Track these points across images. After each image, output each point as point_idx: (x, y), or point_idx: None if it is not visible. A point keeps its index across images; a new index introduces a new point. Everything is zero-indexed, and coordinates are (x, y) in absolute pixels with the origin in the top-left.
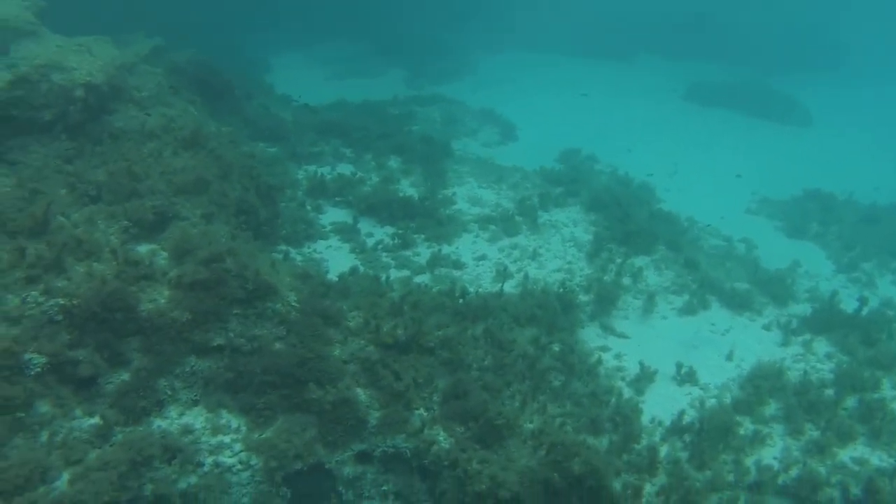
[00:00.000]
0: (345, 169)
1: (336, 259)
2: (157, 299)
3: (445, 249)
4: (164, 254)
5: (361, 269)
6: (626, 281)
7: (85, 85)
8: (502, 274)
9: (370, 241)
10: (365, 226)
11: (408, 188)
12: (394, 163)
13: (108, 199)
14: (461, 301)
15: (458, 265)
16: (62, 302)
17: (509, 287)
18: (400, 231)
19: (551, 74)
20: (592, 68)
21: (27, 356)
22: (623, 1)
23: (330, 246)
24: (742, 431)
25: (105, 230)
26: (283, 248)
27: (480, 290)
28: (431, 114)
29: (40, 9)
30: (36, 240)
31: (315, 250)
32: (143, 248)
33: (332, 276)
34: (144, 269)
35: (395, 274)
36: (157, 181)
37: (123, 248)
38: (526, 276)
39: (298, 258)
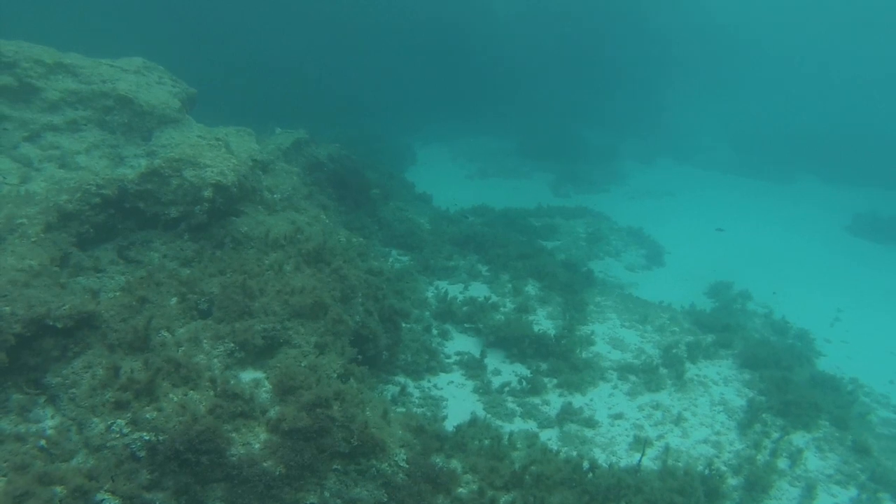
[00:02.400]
0: (479, 290)
1: (457, 399)
2: (251, 443)
3: (578, 401)
4: (268, 386)
5: (483, 415)
6: (783, 464)
7: (214, 185)
8: (642, 444)
9: (496, 381)
10: (492, 360)
11: (543, 320)
12: (531, 288)
13: (217, 316)
14: (590, 475)
15: (590, 423)
16: (147, 437)
17: (647, 458)
18: (530, 373)
19: (704, 194)
20: (748, 188)
21: (99, 496)
22: (784, 116)
23: (452, 382)
24: None
25: (209, 352)
26: (402, 379)
27: (614, 459)
28: (576, 228)
29: (190, 95)
30: (134, 357)
31: (435, 385)
32: (247, 377)
33: (450, 423)
34: (243, 404)
35: (519, 424)
36: (272, 300)
37: (224, 377)
38: (667, 449)
39: (416, 394)
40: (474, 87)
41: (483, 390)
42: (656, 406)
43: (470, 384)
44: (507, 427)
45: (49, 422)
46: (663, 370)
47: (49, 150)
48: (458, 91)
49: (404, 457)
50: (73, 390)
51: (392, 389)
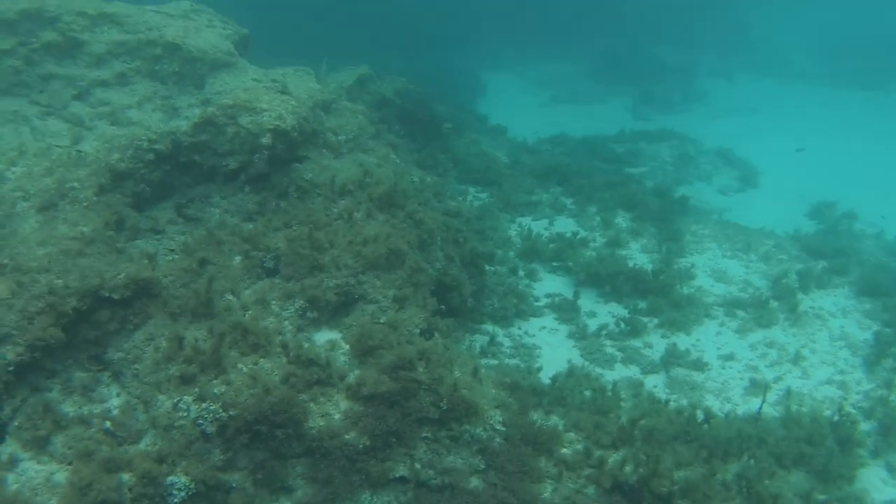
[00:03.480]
0: (565, 224)
1: (551, 346)
2: (330, 413)
3: (683, 341)
4: (345, 347)
5: (581, 363)
6: None
7: (273, 131)
8: (761, 388)
9: (592, 324)
10: (586, 301)
11: (638, 254)
12: (622, 220)
13: (285, 273)
14: (706, 427)
15: (699, 366)
16: (217, 413)
17: (767, 404)
18: (628, 313)
19: (793, 108)
20: (840, 100)
21: (170, 479)
22: (878, 15)
23: (544, 327)
24: None
25: (278, 313)
26: (490, 328)
27: (729, 406)
28: (661, 152)
29: (242, 37)
30: (198, 325)
31: (526, 332)
32: (321, 338)
33: (546, 374)
34: (319, 371)
35: (620, 371)
36: (343, 253)
37: (297, 341)
38: (788, 392)
39: (506, 344)
40: (540, 10)
41: (578, 335)
42: (770, 344)
43: (564, 328)
44: (608, 375)
45: (114, 401)
46: (774, 303)
47: (99, 106)
48: (524, 16)
49: (500, 418)
50: (137, 366)
51: (480, 340)
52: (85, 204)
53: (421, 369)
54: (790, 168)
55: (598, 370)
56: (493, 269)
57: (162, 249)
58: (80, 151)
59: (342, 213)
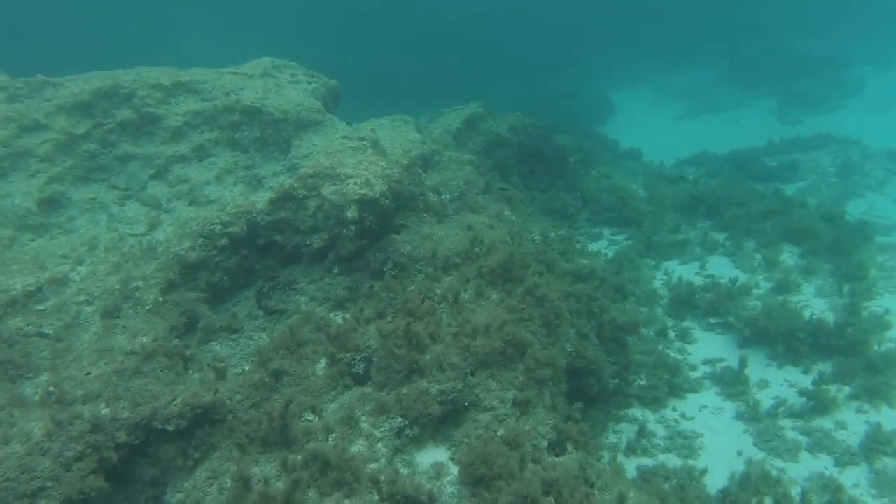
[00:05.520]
0: (720, 266)
1: (714, 432)
2: None
3: (888, 417)
4: (454, 473)
5: (755, 456)
6: None
7: (358, 201)
8: None
9: (765, 398)
10: (754, 366)
11: (813, 300)
12: (788, 257)
13: (378, 380)
14: None
15: None
16: None
17: None
18: (811, 382)
19: None
20: None
21: None
22: None
23: (705, 406)
24: None
25: (369, 434)
26: (638, 413)
27: None
28: (820, 161)
29: (331, 90)
30: (270, 456)
31: (683, 415)
32: (425, 460)
33: (711, 472)
34: None
35: (807, 463)
36: (448, 349)
37: (391, 470)
38: None
39: (659, 433)
40: (664, 16)
41: (749, 415)
42: None
43: (729, 407)
44: (793, 469)
45: None
46: None
47: (177, 185)
48: (647, 25)
49: None
50: None
51: (627, 430)
52: (149, 307)
53: None
54: None
55: (780, 463)
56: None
57: (236, 356)
58: (150, 240)
59: (446, 293)
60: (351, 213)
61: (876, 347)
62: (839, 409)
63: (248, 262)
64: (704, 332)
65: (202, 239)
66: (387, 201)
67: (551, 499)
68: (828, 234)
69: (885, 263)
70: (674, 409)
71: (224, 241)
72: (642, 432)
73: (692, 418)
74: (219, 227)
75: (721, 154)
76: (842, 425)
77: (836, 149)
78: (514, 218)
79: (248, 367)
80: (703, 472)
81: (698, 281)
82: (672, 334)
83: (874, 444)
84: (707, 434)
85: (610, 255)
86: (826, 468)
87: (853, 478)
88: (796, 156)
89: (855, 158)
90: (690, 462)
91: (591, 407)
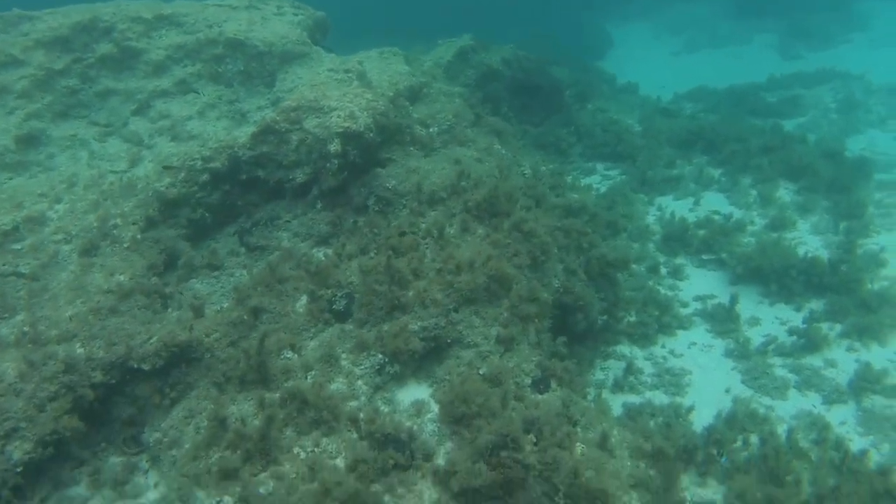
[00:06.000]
0: (714, 202)
1: (703, 369)
2: None
3: (877, 356)
4: (435, 410)
5: (742, 394)
6: None
7: (342, 134)
8: None
9: (755, 336)
10: (746, 303)
11: (809, 237)
12: (785, 193)
13: (359, 317)
14: None
15: None
16: None
17: None
18: (802, 320)
19: None
20: None
21: None
22: None
23: (694, 343)
24: None
25: (349, 371)
26: (626, 350)
27: None
28: (822, 97)
29: (318, 22)
30: (248, 394)
31: (672, 352)
32: (406, 397)
33: (699, 410)
34: (398, 452)
35: (796, 400)
36: (431, 284)
37: (370, 409)
38: None
39: (647, 370)
40: None
41: (738, 352)
42: None
43: (719, 344)
44: (781, 407)
45: (151, 494)
46: None
47: (159, 120)
48: None
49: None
50: (174, 451)
51: (614, 367)
52: (126, 245)
53: (529, 448)
54: None
55: (768, 401)
56: (627, 270)
57: (217, 294)
58: (130, 177)
59: (431, 228)
60: (334, 146)
61: (869, 286)
62: (829, 347)
63: (231, 198)
64: (696, 269)
65: (183, 174)
66: (371, 134)
67: (532, 437)
68: (826, 170)
69: (883, 200)
70: (663, 346)
71: (205, 176)
72: (630, 369)
73: (681, 355)
74: (199, 161)
75: (720, 89)
76: (831, 363)
77: (839, 84)
78: (503, 152)
79: (227, 305)
80: (690, 409)
81: (692, 217)
82: (664, 270)
83: (863, 383)
84: (695, 371)
85: (603, 189)
86: (814, 406)
87: (840, 416)
88: (797, 91)
89: (857, 94)
90: (678, 399)
91: (579, 344)
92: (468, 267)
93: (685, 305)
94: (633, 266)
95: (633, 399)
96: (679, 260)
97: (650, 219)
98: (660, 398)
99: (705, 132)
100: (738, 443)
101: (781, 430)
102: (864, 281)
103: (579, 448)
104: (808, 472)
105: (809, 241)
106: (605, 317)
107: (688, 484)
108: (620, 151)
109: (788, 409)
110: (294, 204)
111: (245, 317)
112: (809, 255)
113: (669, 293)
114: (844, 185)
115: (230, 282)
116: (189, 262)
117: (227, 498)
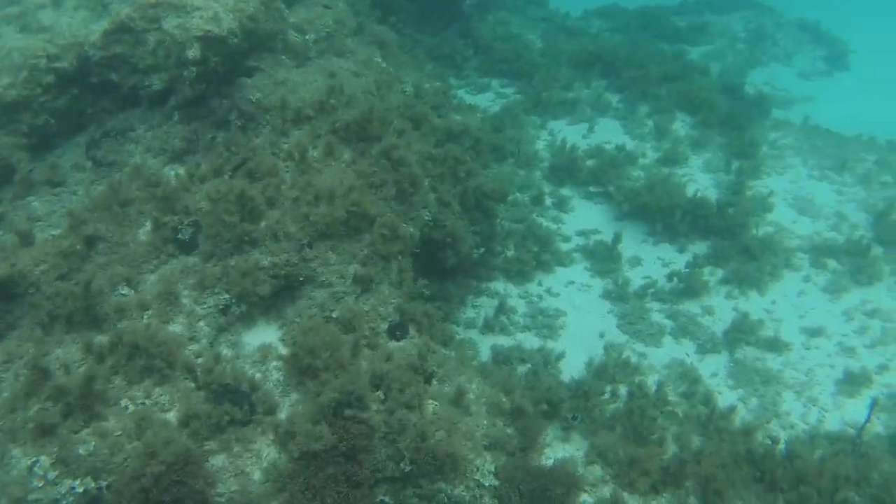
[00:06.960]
0: (609, 130)
1: (579, 311)
2: (247, 472)
3: (755, 305)
4: (281, 356)
5: (617, 339)
6: None
7: (202, 38)
8: (859, 383)
9: (635, 277)
10: (629, 242)
11: (700, 174)
12: (681, 126)
13: (205, 249)
14: (777, 460)
15: (775, 345)
16: (81, 487)
17: (866, 405)
18: (685, 263)
19: None
20: None
21: None
22: None
23: (572, 282)
24: None
25: (190, 311)
26: (500, 287)
27: (816, 413)
28: (732, 25)
29: None
30: (77, 338)
31: (549, 290)
32: (253, 340)
33: (570, 355)
34: (234, 406)
35: (670, 348)
36: (285, 216)
37: (210, 355)
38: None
39: (521, 309)
40: None
41: (617, 294)
42: (872, 312)
43: (598, 284)
44: (654, 354)
45: None
46: (877, 249)
47: (7, 6)
48: None
49: (492, 468)
50: None
51: (487, 305)
52: None
53: (375, 407)
54: (891, 45)
55: (641, 348)
56: (512, 198)
57: (56, 215)
58: None
59: (293, 150)
60: (192, 52)
61: (754, 231)
62: (709, 293)
63: (80, 103)
64: (583, 201)
65: (25, 73)
66: (236, 40)
67: (380, 394)
68: (724, 105)
69: (777, 141)
70: (539, 284)
71: (50, 77)
72: (502, 308)
73: (557, 294)
74: (44, 60)
75: (631, 8)
76: (709, 310)
77: (750, 14)
78: (384, 65)
79: (59, 232)
80: (561, 356)
81: (584, 144)
82: (548, 201)
83: (738, 333)
84: (571, 313)
85: (496, 108)
86: (687, 355)
87: (713, 366)
88: (708, 17)
89: (767, 26)
90: (549, 344)
91: (449, 280)
92: (328, 197)
93: (567, 240)
94: (517, 195)
95: (503, 341)
96: (565, 191)
97: (541, 144)
98: (531, 341)
99: (606, 54)
100: (607, 394)
101: (652, 380)
102: (749, 226)
103: (431, 406)
104: (673, 430)
105: (700, 178)
106: (481, 250)
107: (551, 439)
108: (518, 69)
109: (662, 356)
110: (150, 114)
111: (78, 246)
112: (698, 194)
113: (552, 226)
114: (740, 123)
115: (72, 201)
116: (26, 177)
117: (43, 458)
